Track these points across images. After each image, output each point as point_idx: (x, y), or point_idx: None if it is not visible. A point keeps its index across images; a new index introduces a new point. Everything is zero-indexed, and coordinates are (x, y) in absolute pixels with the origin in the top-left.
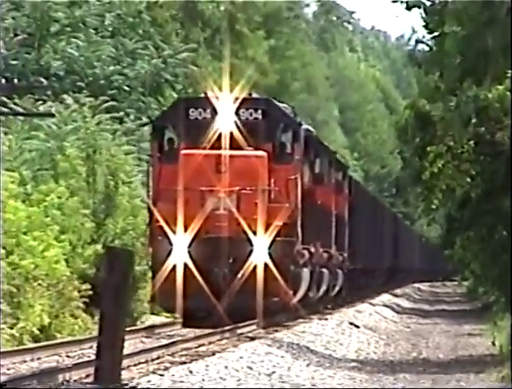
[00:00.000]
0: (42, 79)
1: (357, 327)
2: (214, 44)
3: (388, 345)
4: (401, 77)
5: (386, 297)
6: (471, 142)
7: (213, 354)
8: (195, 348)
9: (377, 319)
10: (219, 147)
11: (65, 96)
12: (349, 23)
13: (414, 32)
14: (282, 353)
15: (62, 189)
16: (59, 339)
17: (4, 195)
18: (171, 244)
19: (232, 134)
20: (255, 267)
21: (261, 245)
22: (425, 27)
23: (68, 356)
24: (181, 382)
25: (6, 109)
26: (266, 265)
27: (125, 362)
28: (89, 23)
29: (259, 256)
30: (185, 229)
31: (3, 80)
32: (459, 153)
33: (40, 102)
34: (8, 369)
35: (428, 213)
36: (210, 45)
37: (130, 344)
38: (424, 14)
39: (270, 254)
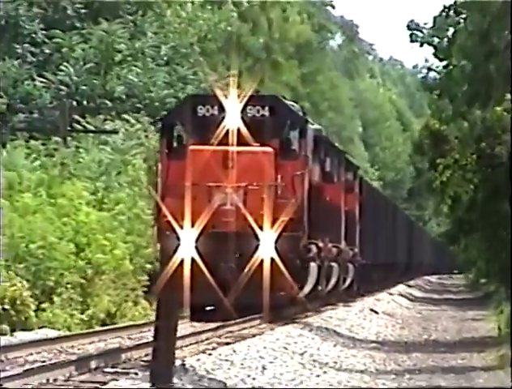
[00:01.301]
0: (107, 102)
1: (376, 312)
2: (254, 71)
3: (403, 328)
4: (414, 99)
5: (401, 288)
6: (474, 155)
7: (253, 336)
8: (238, 331)
9: (394, 306)
10: (227, 144)
11: (126, 115)
12: (369, 53)
13: (426, 61)
14: (312, 335)
15: (128, 198)
16: (122, 323)
17: (77, 202)
18: (178, 239)
19: (239, 130)
20: (261, 262)
21: (267, 240)
22: (436, 57)
23: (130, 338)
24: (226, 360)
25: (78, 127)
26: (272, 260)
27: (178, 343)
28: (147, 53)
29: (266, 251)
30: (193, 224)
31: (74, 103)
32: (464, 165)
33: (107, 121)
34: (78, 349)
35: (437, 215)
36: (250, 72)
37: (182, 328)
38: (434, 50)
39: (276, 248)
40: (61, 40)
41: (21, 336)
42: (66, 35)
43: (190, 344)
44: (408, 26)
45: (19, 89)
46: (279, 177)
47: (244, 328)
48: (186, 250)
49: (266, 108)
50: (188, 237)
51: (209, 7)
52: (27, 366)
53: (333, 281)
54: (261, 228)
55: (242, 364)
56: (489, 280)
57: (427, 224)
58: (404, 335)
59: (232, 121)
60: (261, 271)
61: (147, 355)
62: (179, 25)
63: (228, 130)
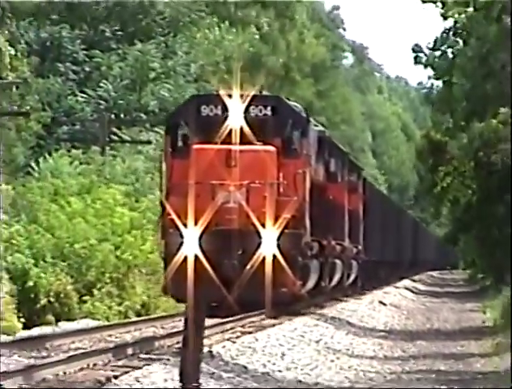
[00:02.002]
0: (142, 115)
1: (385, 304)
2: (274, 88)
3: (408, 319)
4: (417, 113)
5: (406, 282)
6: (472, 163)
7: (273, 326)
8: (259, 321)
9: (400, 299)
10: (230, 143)
11: (158, 128)
12: (378, 72)
13: (429, 78)
14: (327, 325)
15: (155, 197)
16: (156, 314)
17: (112, 204)
18: (182, 236)
19: (242, 129)
20: (264, 259)
21: (269, 237)
22: (436, 79)
23: (163, 328)
24: (249, 347)
25: (116, 138)
26: (274, 256)
27: (206, 332)
28: (178, 71)
29: (268, 248)
30: (196, 222)
31: (112, 116)
32: (463, 172)
33: (141, 132)
34: (116, 338)
35: (437, 217)
36: (270, 89)
37: (209, 318)
38: (434, 72)
39: (278, 246)
40: (101, 59)
41: (64, 326)
42: (104, 55)
43: (216, 333)
44: (413, 49)
45: (63, 103)
46: (281, 175)
47: (264, 319)
48: (190, 247)
49: (269, 108)
50: (192, 235)
51: (233, 30)
52: (71, 353)
53: (337, 277)
54: (263, 225)
55: (263, 350)
56: (485, 275)
57: (429, 225)
58: (409, 324)
59: (235, 121)
60: (263, 267)
61: (178, 342)
62: (207, 46)
63: (231, 130)
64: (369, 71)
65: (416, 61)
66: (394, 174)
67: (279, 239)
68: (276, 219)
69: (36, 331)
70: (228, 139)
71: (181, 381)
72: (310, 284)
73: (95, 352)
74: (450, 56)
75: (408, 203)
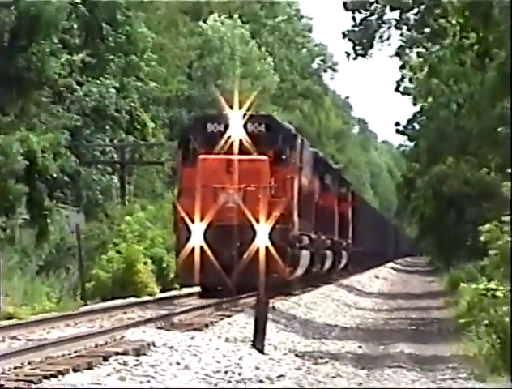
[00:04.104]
0: None
1: (378, 277)
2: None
3: (392, 286)
4: (398, 162)
5: (391, 264)
6: (431, 192)
7: (310, 291)
8: (301, 288)
9: (387, 274)
10: (230, 153)
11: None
12: (374, 137)
13: (405, 141)
14: (343, 290)
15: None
16: None
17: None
18: (190, 231)
19: (240, 142)
20: (258, 250)
21: (262, 231)
22: (409, 140)
23: None
24: (296, 303)
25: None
26: (266, 248)
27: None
28: None
29: (261, 240)
30: (202, 219)
31: None
32: (425, 198)
33: None
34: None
35: (410, 225)
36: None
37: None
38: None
39: (270, 238)
40: None
41: (185, 290)
42: None
43: (276, 295)
44: (395, 124)
45: None
46: (272, 180)
47: (304, 287)
48: (197, 240)
49: (263, 125)
50: (198, 230)
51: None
52: (189, 307)
53: (328, 264)
54: (257, 221)
55: (305, 305)
56: (438, 261)
57: (405, 229)
58: (393, 289)
59: (235, 135)
60: (257, 257)
61: (253, 301)
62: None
63: (231, 142)
64: (368, 137)
65: (397, 131)
66: (383, 199)
67: (270, 233)
68: (268, 216)
69: (168, 294)
70: (228, 150)
71: (255, 324)
72: (300, 270)
73: (204, 306)
74: (418, 128)
75: (392, 216)
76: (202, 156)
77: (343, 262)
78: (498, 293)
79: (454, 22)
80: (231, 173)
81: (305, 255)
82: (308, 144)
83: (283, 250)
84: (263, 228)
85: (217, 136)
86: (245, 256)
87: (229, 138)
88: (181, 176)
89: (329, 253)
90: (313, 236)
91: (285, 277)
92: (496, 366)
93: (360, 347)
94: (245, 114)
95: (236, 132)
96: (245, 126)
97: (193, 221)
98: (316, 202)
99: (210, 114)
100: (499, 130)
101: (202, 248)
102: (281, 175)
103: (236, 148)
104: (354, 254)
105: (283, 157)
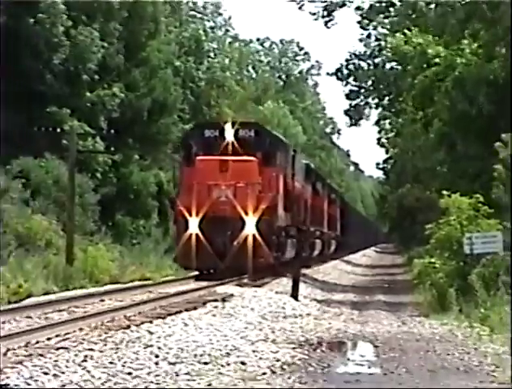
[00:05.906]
0: None
1: (365, 255)
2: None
3: (373, 260)
4: (377, 187)
5: (373, 248)
6: (396, 204)
7: (326, 262)
8: (320, 260)
9: (371, 253)
10: (224, 154)
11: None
12: (361, 171)
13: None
14: (344, 263)
15: None
16: None
17: None
18: (188, 222)
19: (233, 145)
20: (246, 238)
21: (250, 222)
22: (384, 174)
23: None
24: (317, 271)
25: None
26: (254, 236)
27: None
28: None
29: (249, 230)
30: (198, 211)
31: None
32: (393, 208)
33: None
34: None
35: (384, 225)
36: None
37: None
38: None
39: (257, 228)
40: None
41: None
42: None
43: (303, 267)
44: (376, 164)
45: None
46: (260, 178)
47: (321, 259)
48: (193, 230)
49: (253, 130)
50: (195, 221)
51: None
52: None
53: (317, 250)
54: (246, 213)
55: (323, 272)
56: (400, 246)
57: (382, 227)
58: (373, 262)
59: (228, 139)
60: (246, 244)
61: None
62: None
63: (225, 146)
64: (358, 173)
65: (377, 168)
66: (368, 209)
67: (257, 223)
68: (255, 209)
69: None
70: (222, 152)
71: (293, 282)
72: (288, 254)
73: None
74: (389, 167)
75: (374, 219)
76: (198, 158)
77: (333, 248)
78: (436, 265)
79: (409, 104)
80: (224, 171)
81: (292, 243)
82: (301, 156)
83: (268, 238)
84: (251, 220)
85: (213, 140)
86: (235, 243)
87: (223, 142)
88: (181, 175)
89: (318, 241)
90: (302, 227)
91: (270, 262)
92: (435, 309)
93: (354, 297)
94: (236, 122)
95: (229, 137)
96: (236, 132)
97: (190, 214)
98: (306, 201)
99: (207, 122)
100: (437, 168)
101: (197, 236)
102: (268, 174)
103: (228, 150)
104: (342, 243)
105: (270, 159)
